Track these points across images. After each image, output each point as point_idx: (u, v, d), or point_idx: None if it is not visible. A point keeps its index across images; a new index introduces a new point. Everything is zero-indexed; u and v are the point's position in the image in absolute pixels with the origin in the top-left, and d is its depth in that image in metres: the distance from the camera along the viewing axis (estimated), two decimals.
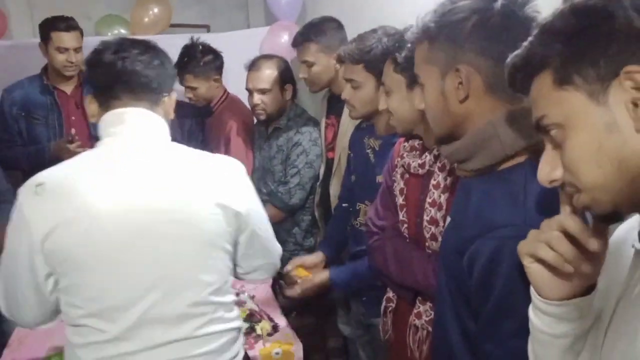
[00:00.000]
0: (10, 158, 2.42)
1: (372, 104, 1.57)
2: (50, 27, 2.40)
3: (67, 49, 2.39)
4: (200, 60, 2.42)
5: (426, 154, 1.25)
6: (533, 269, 0.68)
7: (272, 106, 2.24)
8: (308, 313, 2.30)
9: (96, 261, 1.05)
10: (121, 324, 1.07)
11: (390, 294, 1.42)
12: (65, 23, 2.42)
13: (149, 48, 1.16)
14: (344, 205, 1.94)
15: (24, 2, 3.71)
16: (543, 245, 0.66)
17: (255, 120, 2.49)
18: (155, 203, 1.07)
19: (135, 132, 1.11)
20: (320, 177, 2.23)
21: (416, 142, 1.30)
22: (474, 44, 0.86)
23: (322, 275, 1.70)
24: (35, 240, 1.02)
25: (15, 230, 1.05)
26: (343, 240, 1.92)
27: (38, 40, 2.47)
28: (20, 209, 1.04)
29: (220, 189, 1.12)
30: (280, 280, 1.76)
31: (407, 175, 1.31)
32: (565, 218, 0.65)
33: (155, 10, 3.09)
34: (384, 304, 1.43)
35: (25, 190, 1.05)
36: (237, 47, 2.68)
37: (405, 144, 1.34)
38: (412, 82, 1.13)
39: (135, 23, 3.10)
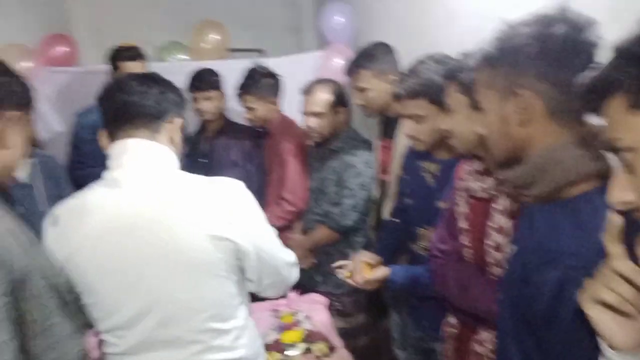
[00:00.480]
0: (82, 178, 2.52)
1: (439, 132, 1.57)
2: (117, 57, 2.56)
3: None
4: (260, 82, 2.50)
5: (489, 177, 1.24)
6: (598, 317, 0.67)
7: (326, 129, 2.29)
8: (357, 314, 2.33)
9: (100, 285, 1.15)
10: (128, 341, 1.18)
11: (451, 319, 1.40)
12: (130, 53, 2.57)
13: (147, 79, 1.22)
14: (394, 220, 1.95)
15: (92, 29, 3.96)
16: (603, 288, 0.65)
17: (309, 142, 2.55)
18: (148, 232, 1.12)
19: (137, 162, 1.16)
20: (374, 199, 2.24)
21: (479, 166, 1.29)
22: (535, 69, 0.87)
23: (384, 271, 1.65)
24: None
25: None
26: (392, 254, 1.93)
27: (106, 66, 2.62)
28: (44, 238, 1.16)
29: (213, 220, 1.14)
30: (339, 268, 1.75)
31: (470, 199, 1.30)
32: (618, 261, 0.65)
33: (214, 36, 3.20)
34: (445, 328, 1.42)
35: (47, 221, 1.17)
36: (291, 70, 2.74)
37: (468, 167, 1.34)
38: (476, 103, 1.14)
39: (195, 49, 3.22)
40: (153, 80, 1.23)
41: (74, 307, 1.14)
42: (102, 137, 1.23)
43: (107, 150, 1.20)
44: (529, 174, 0.90)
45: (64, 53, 2.95)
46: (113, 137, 1.20)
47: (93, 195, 1.16)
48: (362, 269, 1.67)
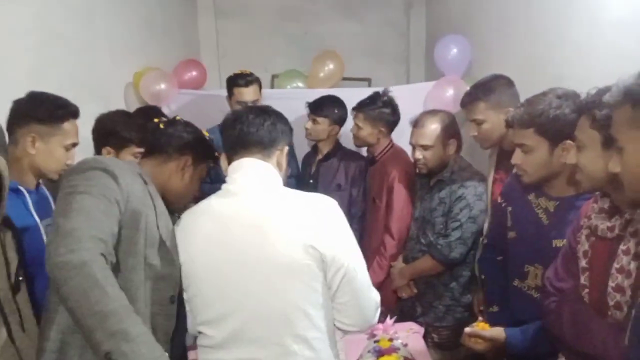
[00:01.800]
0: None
1: (546, 167, 1.56)
2: (232, 83, 2.74)
3: (245, 102, 2.68)
4: (377, 107, 2.56)
5: (616, 216, 1.20)
6: None
7: (434, 161, 2.28)
8: (456, 348, 2.23)
9: (204, 277, 1.35)
10: (220, 334, 1.33)
11: (561, 359, 1.34)
12: (245, 79, 2.72)
13: (262, 112, 1.44)
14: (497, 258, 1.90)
15: (214, 55, 4.32)
16: None
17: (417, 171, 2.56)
18: (250, 236, 1.30)
19: (247, 177, 1.37)
20: (484, 232, 2.19)
21: (606, 204, 1.24)
22: None
23: (498, 331, 1.55)
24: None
25: None
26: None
27: (225, 91, 2.81)
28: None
29: (305, 230, 1.29)
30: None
31: (593, 238, 1.26)
32: None
33: (331, 66, 3.35)
34: None
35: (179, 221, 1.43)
36: (400, 100, 2.78)
37: (595, 205, 1.29)
38: (609, 141, 1.11)
39: (312, 77, 3.39)
40: (267, 113, 1.44)
41: None
42: (223, 160, 1.46)
43: (225, 171, 1.42)
44: None
45: (194, 77, 3.24)
46: (230, 160, 1.42)
47: (209, 203, 1.39)
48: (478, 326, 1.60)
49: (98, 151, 2.01)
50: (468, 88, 2.44)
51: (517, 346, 1.50)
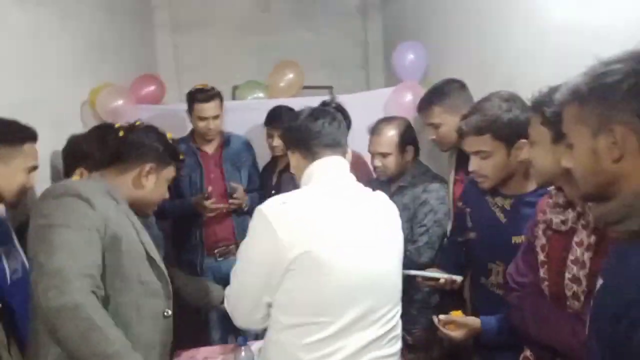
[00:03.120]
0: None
1: (505, 169, 1.61)
2: (192, 98, 2.71)
3: (206, 118, 2.69)
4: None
5: (569, 210, 1.24)
6: None
7: (393, 168, 2.29)
8: (430, 349, 2.24)
9: (336, 265, 1.28)
10: (344, 320, 1.30)
11: (527, 352, 1.38)
12: (205, 94, 2.70)
13: (331, 113, 1.51)
14: (457, 239, 1.97)
15: (173, 70, 4.27)
16: None
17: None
18: (373, 223, 1.39)
19: (340, 175, 1.44)
20: (448, 234, 2.23)
21: (560, 199, 1.29)
22: (629, 105, 0.87)
23: (473, 319, 1.59)
24: (289, 256, 1.25)
25: (264, 243, 1.29)
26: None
27: (185, 105, 2.78)
28: (272, 229, 1.27)
29: (396, 218, 1.49)
30: (435, 316, 1.64)
31: (549, 232, 1.30)
32: None
33: (290, 75, 3.36)
34: None
35: (273, 212, 1.30)
36: (360, 106, 2.81)
37: (550, 200, 1.34)
38: (558, 136, 1.16)
39: (272, 87, 3.39)
40: (335, 114, 1.52)
41: None
42: (293, 157, 1.50)
43: (296, 170, 1.49)
44: (621, 210, 0.90)
45: (152, 91, 3.19)
46: (311, 158, 1.44)
47: (314, 197, 1.36)
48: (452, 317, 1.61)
49: (70, 171, 1.98)
50: None
51: (491, 333, 1.53)
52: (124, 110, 2.90)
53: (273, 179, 2.92)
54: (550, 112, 1.21)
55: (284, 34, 4.42)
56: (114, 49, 3.26)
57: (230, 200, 2.74)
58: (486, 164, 1.63)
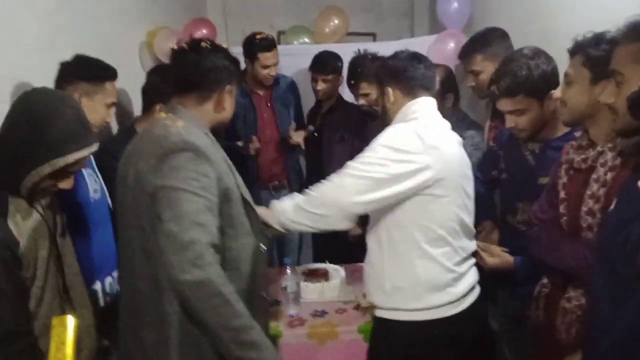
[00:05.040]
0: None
1: (540, 120, 1.72)
2: (255, 46, 2.81)
3: (269, 66, 2.83)
4: (371, 67, 2.58)
5: (590, 150, 1.36)
6: None
7: None
8: None
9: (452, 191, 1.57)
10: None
11: (544, 280, 1.54)
12: (269, 42, 2.81)
13: (429, 59, 1.72)
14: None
15: (221, 13, 4.39)
16: None
17: None
18: (460, 155, 1.63)
19: (438, 114, 1.68)
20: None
21: (584, 141, 1.40)
22: None
23: (507, 255, 1.77)
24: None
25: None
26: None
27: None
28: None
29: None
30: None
31: (570, 171, 1.43)
32: None
33: (335, 21, 3.44)
34: (537, 289, 1.57)
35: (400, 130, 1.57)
36: None
37: (574, 142, 1.45)
38: (597, 77, 1.28)
39: (317, 33, 3.49)
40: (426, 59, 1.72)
41: None
42: (395, 93, 1.67)
43: (392, 104, 1.67)
44: None
45: (204, 35, 3.33)
46: (415, 95, 1.64)
47: (439, 127, 1.64)
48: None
49: (148, 106, 2.15)
50: None
51: (523, 271, 1.71)
52: None
53: (317, 121, 3.08)
54: (595, 54, 1.31)
55: None
56: None
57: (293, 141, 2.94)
58: (522, 119, 1.72)
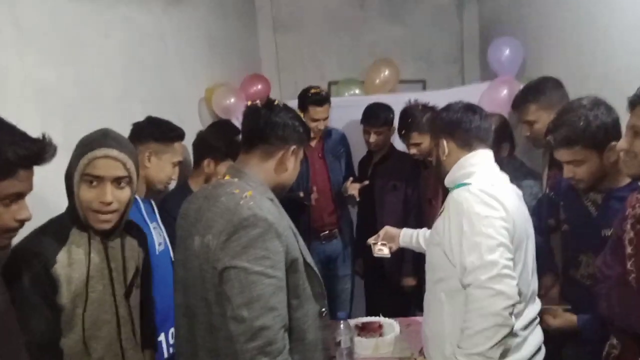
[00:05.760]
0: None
1: (599, 171, 1.67)
2: (307, 100, 2.90)
3: (318, 120, 2.91)
4: (422, 117, 2.64)
5: None
6: None
7: None
8: None
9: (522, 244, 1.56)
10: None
11: (613, 340, 1.45)
12: (320, 97, 2.90)
13: (484, 110, 1.71)
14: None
15: (274, 68, 4.57)
16: None
17: None
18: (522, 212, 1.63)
19: (495, 166, 1.69)
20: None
21: None
22: None
23: (570, 315, 1.72)
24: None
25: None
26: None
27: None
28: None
29: None
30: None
31: (638, 226, 1.36)
32: None
33: (386, 72, 3.52)
34: (606, 349, 1.48)
35: (475, 195, 1.54)
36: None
37: (639, 195, 1.40)
38: None
39: (368, 84, 3.57)
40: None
41: None
42: (449, 145, 1.67)
43: (446, 157, 1.67)
44: None
45: (260, 90, 3.48)
46: (470, 148, 1.65)
47: (499, 181, 1.64)
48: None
49: (198, 161, 2.27)
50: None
51: (590, 331, 1.64)
52: (235, 108, 3.21)
53: (369, 171, 3.10)
54: None
55: (376, 30, 4.52)
56: (225, 49, 3.59)
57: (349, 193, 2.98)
58: (580, 170, 1.68)
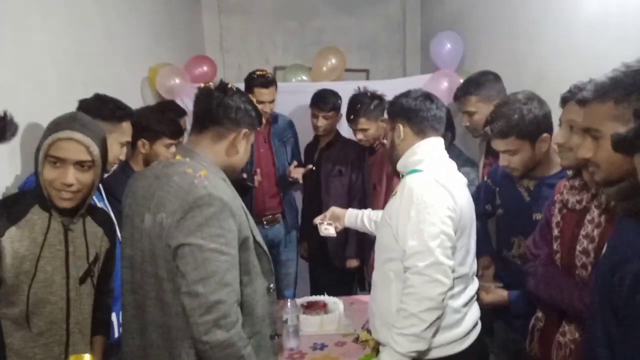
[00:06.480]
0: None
1: (532, 160, 1.81)
2: (252, 82, 2.91)
3: (264, 102, 2.89)
4: (370, 105, 2.77)
5: (584, 192, 1.43)
6: None
7: None
8: None
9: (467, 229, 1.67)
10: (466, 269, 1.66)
11: (539, 314, 1.59)
12: (265, 79, 2.90)
13: (439, 99, 1.76)
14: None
15: (218, 51, 4.51)
16: None
17: None
18: (468, 199, 1.70)
19: (445, 153, 1.75)
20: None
21: (576, 182, 1.48)
22: None
23: (502, 291, 1.87)
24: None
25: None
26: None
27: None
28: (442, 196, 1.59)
29: None
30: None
31: (564, 210, 1.49)
32: None
33: (333, 60, 3.57)
34: (532, 322, 1.62)
35: (425, 183, 1.60)
36: (397, 93, 2.99)
37: (567, 182, 1.53)
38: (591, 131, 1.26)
39: (316, 71, 3.61)
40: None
41: None
42: (404, 129, 1.71)
43: (401, 141, 1.72)
44: (625, 190, 1.06)
45: (205, 72, 3.43)
46: (424, 135, 1.70)
47: (448, 169, 1.71)
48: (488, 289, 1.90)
49: (134, 143, 2.21)
50: (461, 81, 2.69)
51: (519, 306, 1.78)
52: (180, 88, 3.16)
53: (315, 157, 3.16)
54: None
55: (323, 18, 4.58)
56: (169, 29, 3.51)
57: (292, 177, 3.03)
58: (514, 159, 1.81)
